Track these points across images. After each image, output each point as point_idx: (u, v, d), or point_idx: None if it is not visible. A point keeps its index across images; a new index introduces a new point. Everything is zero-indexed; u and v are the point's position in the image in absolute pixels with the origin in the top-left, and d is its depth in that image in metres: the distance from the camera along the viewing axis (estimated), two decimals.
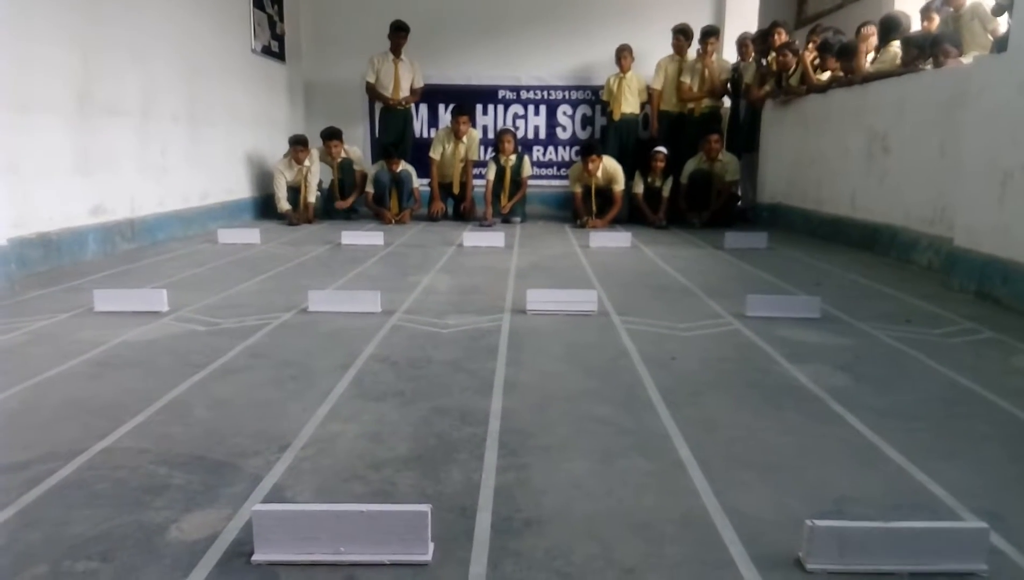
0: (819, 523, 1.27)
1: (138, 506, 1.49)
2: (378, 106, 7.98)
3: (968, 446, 1.85)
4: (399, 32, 7.63)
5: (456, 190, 7.56)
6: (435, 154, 7.44)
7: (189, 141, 6.01)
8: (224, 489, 1.56)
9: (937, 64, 4.72)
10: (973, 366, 2.52)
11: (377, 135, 8.13)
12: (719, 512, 1.48)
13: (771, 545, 1.36)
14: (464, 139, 7.40)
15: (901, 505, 1.53)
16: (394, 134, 7.76)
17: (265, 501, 1.49)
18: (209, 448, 1.77)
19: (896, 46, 5.40)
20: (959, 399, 2.21)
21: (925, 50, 4.89)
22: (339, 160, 7.31)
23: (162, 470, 1.65)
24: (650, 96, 7.75)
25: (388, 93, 7.76)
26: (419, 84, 7.97)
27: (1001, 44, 3.98)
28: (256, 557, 1.29)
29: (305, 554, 1.29)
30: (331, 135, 7.26)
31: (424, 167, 7.58)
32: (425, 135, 8.58)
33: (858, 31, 6.06)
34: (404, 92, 7.82)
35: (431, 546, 1.31)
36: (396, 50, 7.70)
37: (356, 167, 7.44)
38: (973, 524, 1.37)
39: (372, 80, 7.77)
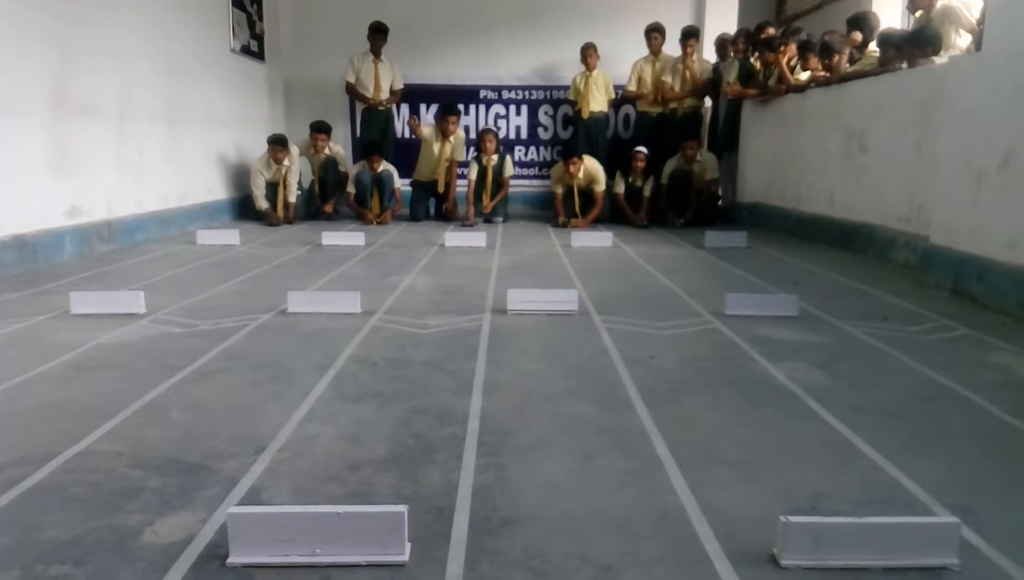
0: (793, 519, 1.29)
1: (112, 509, 1.48)
2: (360, 107, 7.98)
3: (942, 442, 1.87)
4: (377, 33, 7.64)
5: (441, 189, 7.55)
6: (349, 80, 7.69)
7: (167, 141, 5.96)
8: (199, 492, 1.55)
9: (912, 64, 4.77)
10: (948, 363, 2.55)
11: (359, 135, 8.11)
12: (696, 509, 1.49)
13: (746, 542, 1.37)
14: (451, 139, 7.39)
15: (875, 501, 1.55)
16: (376, 135, 7.76)
17: (241, 503, 1.49)
18: (185, 451, 1.75)
19: (873, 46, 5.46)
20: (934, 395, 2.23)
21: (901, 49, 4.94)
22: (323, 156, 7.29)
23: (137, 473, 1.64)
24: (624, 97, 7.79)
25: (369, 94, 7.76)
26: (398, 86, 7.99)
27: (979, 42, 4.02)
28: (231, 559, 1.28)
29: (281, 556, 1.28)
30: (319, 128, 7.28)
31: (405, 167, 7.58)
32: (407, 135, 8.56)
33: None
34: (385, 93, 7.83)
35: (408, 546, 1.31)
36: (376, 51, 7.70)
37: (340, 168, 7.42)
38: (945, 519, 1.38)
39: (352, 80, 7.77)
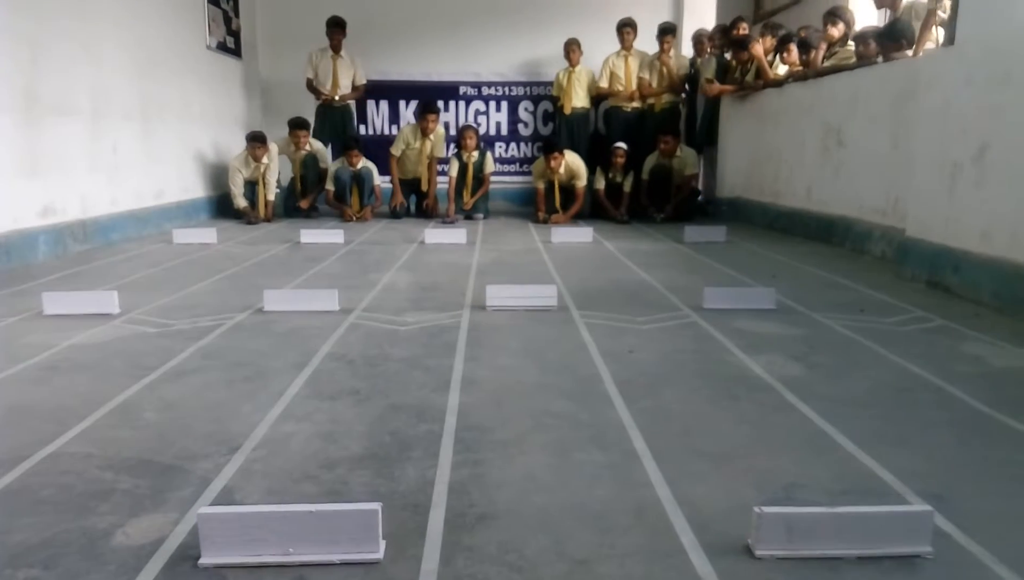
0: (767, 509, 1.29)
1: (83, 512, 1.45)
2: (315, 103, 7.83)
3: (916, 431, 1.89)
4: (335, 28, 7.54)
5: (424, 187, 7.51)
6: (396, 151, 7.38)
7: (142, 139, 5.90)
8: (172, 493, 1.53)
9: (887, 58, 4.81)
10: (923, 354, 2.57)
11: (314, 132, 7.80)
12: (671, 502, 1.49)
13: (722, 533, 1.37)
14: (431, 136, 7.35)
15: (849, 490, 1.55)
16: (331, 131, 7.64)
17: (214, 504, 1.47)
18: (158, 452, 1.73)
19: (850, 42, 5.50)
20: (909, 386, 2.25)
21: (876, 44, 4.97)
22: (303, 152, 7.22)
23: (108, 475, 1.61)
24: (597, 93, 7.80)
25: (325, 89, 7.66)
26: (361, 81, 7.88)
27: (949, 36, 4.06)
28: (203, 560, 1.27)
29: (253, 556, 1.27)
30: (299, 124, 7.19)
31: (378, 163, 7.50)
32: (386, 132, 8.52)
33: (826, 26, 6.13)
34: (344, 89, 7.72)
35: (382, 544, 1.30)
36: (335, 46, 7.60)
37: (320, 164, 7.36)
38: (918, 507, 1.39)
39: (311, 76, 7.66)
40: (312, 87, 7.74)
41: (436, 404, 2.05)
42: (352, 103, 8.04)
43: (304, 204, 7.26)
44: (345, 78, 7.74)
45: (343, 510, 1.29)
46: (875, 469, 1.65)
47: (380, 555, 1.28)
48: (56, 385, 2.23)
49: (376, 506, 1.29)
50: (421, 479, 1.59)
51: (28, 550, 1.32)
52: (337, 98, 7.73)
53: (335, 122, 7.77)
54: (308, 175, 7.30)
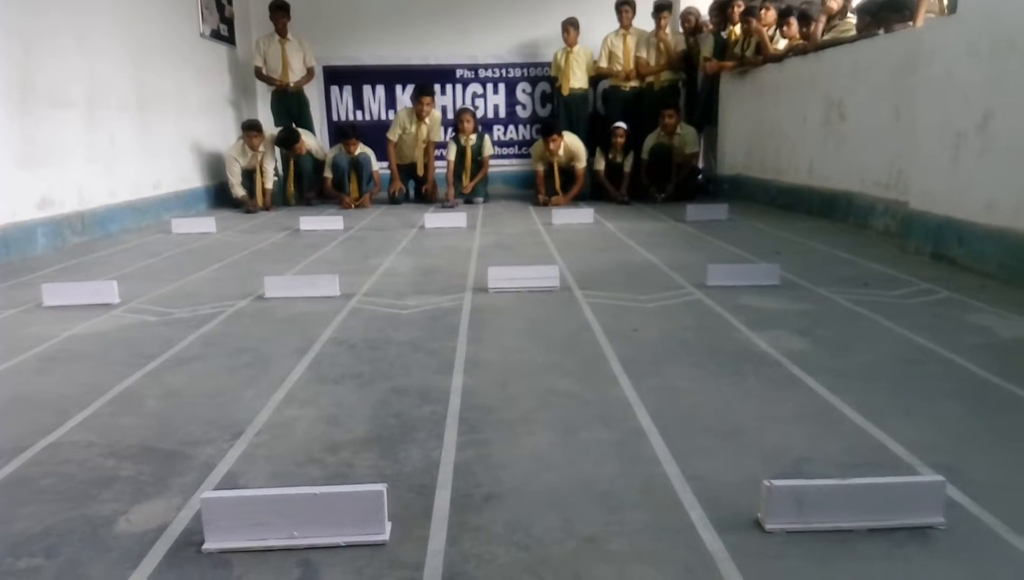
0: (777, 483, 1.27)
1: (85, 499, 1.44)
2: (269, 90, 7.72)
3: (925, 403, 1.87)
4: (278, 11, 7.40)
5: (420, 172, 7.46)
6: (392, 136, 7.31)
7: (138, 130, 5.85)
8: (175, 479, 1.51)
9: (888, 29, 4.75)
10: (930, 326, 2.54)
11: (274, 122, 7.62)
12: (679, 478, 1.47)
13: (731, 508, 1.35)
14: (427, 120, 7.29)
15: (860, 463, 1.54)
16: (287, 118, 7.47)
17: (217, 489, 1.45)
18: (160, 438, 1.72)
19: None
20: (916, 358, 2.23)
21: (877, 16, 4.92)
22: (300, 156, 7.16)
23: (110, 462, 1.60)
24: (598, 73, 7.73)
25: (277, 76, 7.53)
26: (310, 63, 7.75)
27: (952, 5, 4.01)
28: (207, 546, 1.26)
29: (258, 540, 1.25)
30: (288, 141, 6.96)
31: (376, 149, 7.42)
32: (383, 117, 8.46)
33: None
34: (297, 73, 7.61)
35: (388, 526, 1.29)
36: (280, 30, 7.47)
37: (317, 157, 7.28)
38: (929, 478, 1.37)
39: (259, 64, 7.55)
40: (262, 75, 7.61)
41: (440, 386, 2.03)
42: (306, 88, 7.85)
43: (308, 196, 7.22)
44: (296, 61, 7.59)
45: (348, 492, 1.27)
46: (885, 441, 1.64)
47: (386, 537, 1.27)
48: (57, 375, 2.21)
49: (381, 488, 1.27)
50: (426, 460, 1.57)
51: (29, 539, 1.31)
52: (292, 84, 7.58)
53: (291, 109, 7.62)
54: (303, 163, 7.20)
